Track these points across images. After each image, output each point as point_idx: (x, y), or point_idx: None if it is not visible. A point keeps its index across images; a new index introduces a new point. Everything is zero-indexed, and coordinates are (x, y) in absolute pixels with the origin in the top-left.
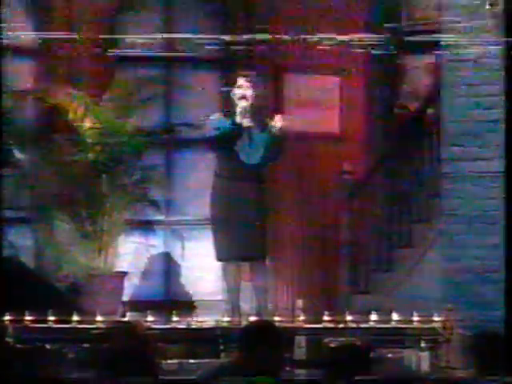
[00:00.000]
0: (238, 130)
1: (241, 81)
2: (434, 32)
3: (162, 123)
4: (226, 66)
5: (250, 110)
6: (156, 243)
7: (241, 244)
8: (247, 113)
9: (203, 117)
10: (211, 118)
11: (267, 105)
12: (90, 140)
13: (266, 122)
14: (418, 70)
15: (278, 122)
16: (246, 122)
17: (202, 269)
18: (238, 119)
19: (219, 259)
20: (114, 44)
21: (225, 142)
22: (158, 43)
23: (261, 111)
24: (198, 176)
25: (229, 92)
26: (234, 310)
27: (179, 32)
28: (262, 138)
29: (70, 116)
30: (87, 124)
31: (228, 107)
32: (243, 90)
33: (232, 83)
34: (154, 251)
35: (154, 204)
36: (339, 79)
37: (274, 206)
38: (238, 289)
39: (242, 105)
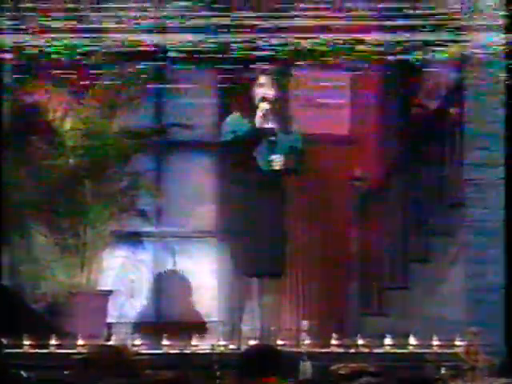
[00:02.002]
0: (257, 134)
1: (262, 79)
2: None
3: (152, 124)
4: (226, 60)
5: (271, 113)
6: (145, 258)
7: (258, 258)
8: (268, 115)
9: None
10: (227, 119)
11: (289, 106)
12: (71, 142)
13: (289, 125)
14: (438, 65)
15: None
16: (266, 126)
17: (197, 287)
18: (258, 123)
19: (233, 274)
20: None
21: (243, 147)
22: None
23: (283, 113)
24: (193, 182)
25: (240, 90)
26: (235, 332)
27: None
28: (284, 143)
29: (49, 116)
30: (68, 125)
31: (244, 107)
32: (264, 90)
33: (250, 81)
34: (143, 267)
35: (143, 214)
36: (350, 76)
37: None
38: (244, 309)
39: (263, 107)
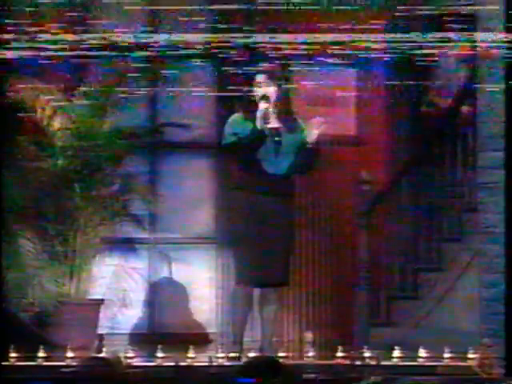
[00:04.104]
0: (260, 135)
1: (260, 77)
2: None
3: (146, 123)
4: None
5: (273, 112)
6: (139, 266)
7: (265, 267)
8: (269, 115)
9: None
10: (229, 120)
11: (292, 104)
12: (59, 143)
13: (295, 124)
14: (449, 61)
15: (313, 126)
16: (270, 126)
17: (194, 296)
18: (259, 123)
19: (237, 283)
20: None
21: (246, 150)
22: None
23: (286, 112)
24: (189, 186)
25: (241, 89)
26: (236, 343)
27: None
28: (290, 143)
29: (37, 114)
30: (57, 124)
31: (246, 108)
32: (264, 89)
33: (249, 79)
34: (137, 275)
35: (137, 219)
36: (356, 73)
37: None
38: (246, 319)
39: (262, 107)
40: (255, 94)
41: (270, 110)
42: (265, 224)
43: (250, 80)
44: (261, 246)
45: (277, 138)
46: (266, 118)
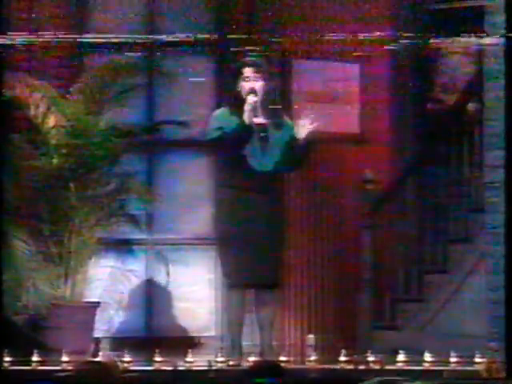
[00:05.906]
0: (246, 130)
1: (248, 71)
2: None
3: (143, 121)
4: (223, 51)
5: (260, 106)
6: (136, 267)
7: (253, 268)
8: (257, 110)
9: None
10: (213, 115)
11: (280, 99)
12: (54, 141)
13: (282, 120)
14: (456, 57)
15: (301, 121)
16: (257, 121)
17: (192, 299)
18: (247, 118)
19: (228, 286)
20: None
21: (231, 146)
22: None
23: (274, 107)
24: (188, 185)
25: (228, 84)
26: (235, 347)
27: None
28: (276, 139)
29: (31, 112)
30: (51, 121)
31: (232, 102)
32: (251, 83)
33: (236, 74)
34: (134, 277)
35: (134, 219)
36: (360, 68)
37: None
38: (242, 322)
39: (250, 100)
40: (242, 87)
41: (258, 104)
42: (252, 223)
43: (236, 73)
44: (249, 245)
45: (263, 134)
46: (254, 113)
